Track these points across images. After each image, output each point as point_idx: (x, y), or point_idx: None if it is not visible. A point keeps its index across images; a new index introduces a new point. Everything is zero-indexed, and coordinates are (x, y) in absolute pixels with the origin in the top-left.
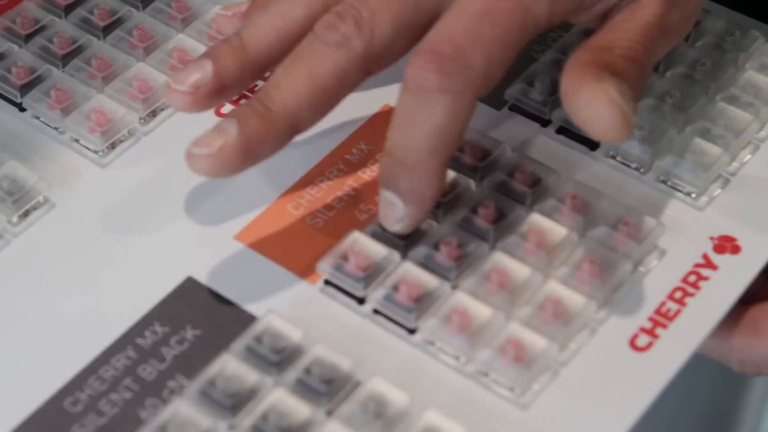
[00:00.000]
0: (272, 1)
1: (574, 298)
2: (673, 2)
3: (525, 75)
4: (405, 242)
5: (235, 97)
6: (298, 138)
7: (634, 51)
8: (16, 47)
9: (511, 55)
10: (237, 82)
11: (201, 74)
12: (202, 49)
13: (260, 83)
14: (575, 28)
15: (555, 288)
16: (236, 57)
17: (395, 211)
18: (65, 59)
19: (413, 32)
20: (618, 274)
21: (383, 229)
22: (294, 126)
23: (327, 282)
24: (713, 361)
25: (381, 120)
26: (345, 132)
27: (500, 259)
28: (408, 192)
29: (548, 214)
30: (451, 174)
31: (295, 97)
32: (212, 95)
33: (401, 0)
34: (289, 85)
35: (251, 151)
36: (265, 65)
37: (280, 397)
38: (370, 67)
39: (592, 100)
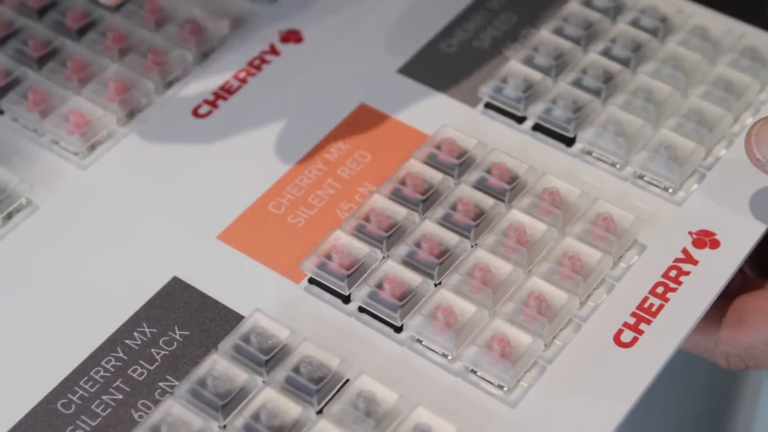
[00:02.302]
0: None
1: (556, 294)
2: None
3: (499, 73)
4: (387, 235)
5: None
6: (277, 138)
7: None
8: None
9: None
10: None
11: None
12: (175, 50)
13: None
14: (546, 27)
15: (537, 284)
16: None
17: None
18: (41, 61)
19: None
20: (599, 270)
21: (363, 224)
22: None
23: (311, 280)
24: (704, 362)
25: (358, 119)
26: (322, 131)
27: (482, 255)
28: None
29: (527, 211)
30: (429, 171)
31: None
32: None
33: None
34: None
35: None
36: None
37: (270, 396)
38: None
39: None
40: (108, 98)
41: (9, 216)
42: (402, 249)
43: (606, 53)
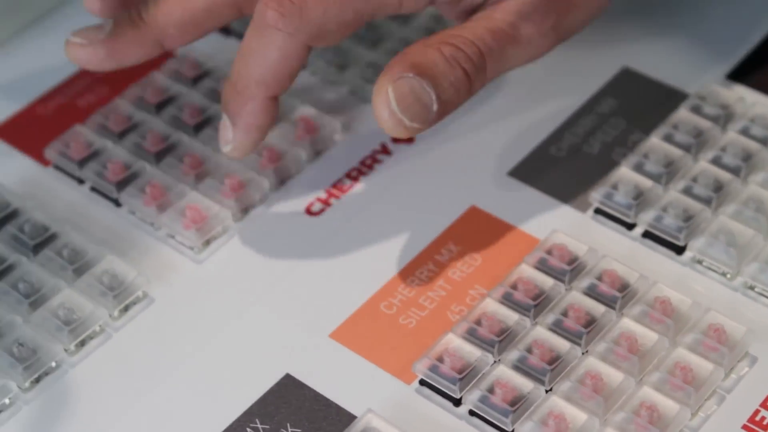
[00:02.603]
0: None
1: (668, 405)
2: (529, 15)
3: (609, 179)
4: (499, 339)
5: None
6: (388, 238)
7: (463, 53)
8: (110, 143)
9: (349, 17)
10: None
11: None
12: (289, 149)
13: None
14: (656, 133)
15: (648, 393)
16: None
17: (226, 133)
18: (158, 156)
19: None
20: (710, 381)
21: (474, 328)
22: (160, 40)
23: (422, 382)
24: None
25: (469, 221)
26: (433, 232)
27: (593, 363)
28: (235, 115)
29: (638, 319)
30: (540, 276)
31: (166, 14)
32: (118, 5)
33: None
34: (164, 1)
35: (116, 51)
36: None
37: None
38: (241, 4)
39: (375, 95)
40: (223, 194)
41: (126, 308)
42: (513, 354)
43: (716, 162)
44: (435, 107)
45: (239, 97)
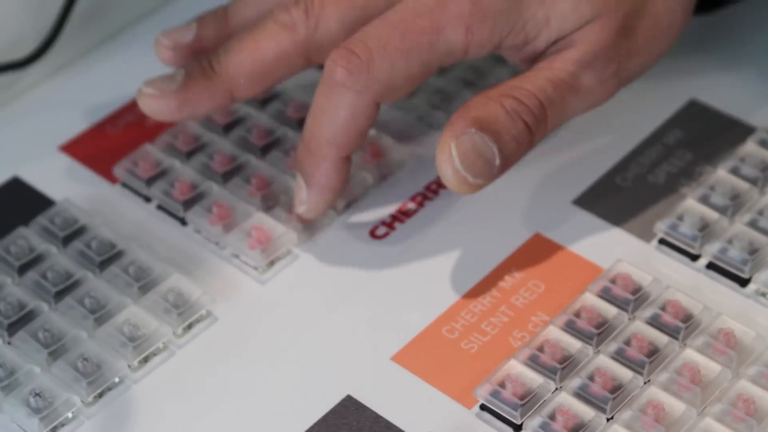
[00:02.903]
0: None
1: None
2: (590, 63)
3: (674, 209)
4: (561, 367)
5: None
6: (452, 263)
7: (524, 106)
8: (178, 163)
9: (417, 70)
10: (214, 48)
11: (184, 35)
12: (356, 172)
13: None
14: (723, 166)
15: (711, 425)
16: (218, 25)
17: (300, 193)
18: (225, 176)
19: (356, 31)
20: None
21: (537, 354)
22: (231, 90)
23: (483, 407)
24: None
25: (532, 248)
26: (497, 259)
27: (655, 393)
28: (308, 176)
29: (701, 350)
30: (603, 305)
31: (237, 64)
32: (189, 55)
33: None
34: (235, 52)
35: (188, 102)
36: None
37: None
38: (310, 54)
39: (438, 152)
40: (289, 216)
41: (189, 326)
42: (575, 381)
43: None
44: (498, 162)
45: (312, 157)
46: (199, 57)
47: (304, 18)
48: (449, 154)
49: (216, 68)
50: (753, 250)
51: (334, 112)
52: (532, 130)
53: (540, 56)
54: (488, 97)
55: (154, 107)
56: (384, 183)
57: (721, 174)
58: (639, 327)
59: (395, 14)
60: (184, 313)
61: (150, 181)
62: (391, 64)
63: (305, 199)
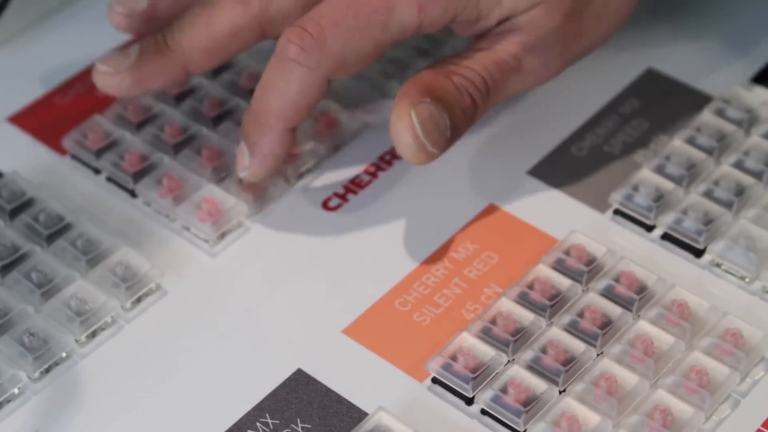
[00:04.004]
0: None
1: (682, 408)
2: (534, 47)
3: (629, 180)
4: (514, 339)
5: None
6: (404, 235)
7: (471, 82)
8: (128, 134)
9: (370, 49)
10: (168, 15)
11: (140, 0)
12: (308, 143)
13: None
14: (679, 136)
15: (663, 397)
16: None
17: (243, 160)
18: (176, 148)
19: (309, 7)
20: (726, 385)
21: (489, 327)
22: (185, 66)
23: (435, 380)
24: None
25: (486, 219)
26: (450, 230)
27: (608, 365)
28: (253, 145)
29: (655, 322)
30: (557, 276)
31: (191, 40)
32: (143, 21)
33: None
34: (188, 28)
35: (143, 79)
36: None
37: None
38: (264, 28)
39: (396, 120)
40: (240, 188)
41: (138, 300)
42: (528, 354)
43: (738, 165)
44: (448, 133)
45: (259, 127)
46: (152, 23)
47: None
48: (409, 121)
49: (170, 44)
50: (708, 221)
51: (285, 87)
52: (477, 106)
53: (487, 33)
54: (437, 72)
55: (109, 84)
56: (337, 153)
57: (677, 144)
58: (592, 299)
59: None
60: (133, 287)
61: (99, 153)
62: (343, 42)
63: (248, 165)
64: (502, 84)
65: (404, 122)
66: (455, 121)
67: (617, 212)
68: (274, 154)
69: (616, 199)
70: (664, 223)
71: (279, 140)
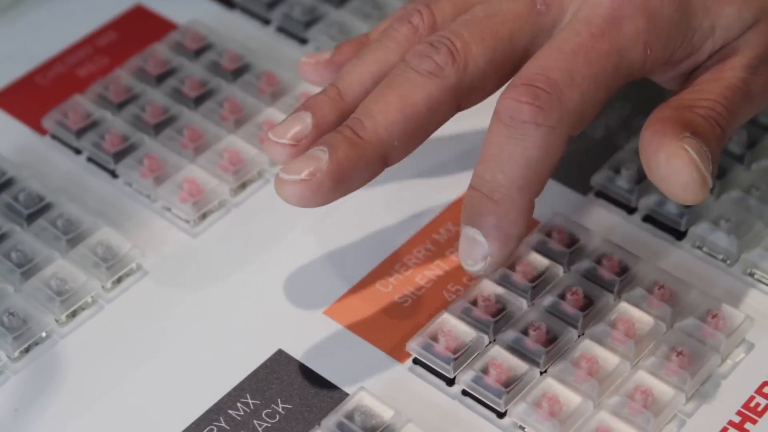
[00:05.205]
0: (366, 50)
1: (663, 389)
2: (756, 68)
3: (611, 162)
4: (495, 320)
5: None
6: (387, 216)
7: (715, 112)
8: (109, 114)
9: (603, 96)
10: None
11: (301, 126)
12: None
13: None
14: None
15: (644, 378)
16: (335, 107)
17: (478, 250)
18: (157, 128)
19: (505, 68)
20: (707, 367)
21: (470, 308)
22: (385, 155)
23: (416, 361)
24: None
25: None
26: (432, 212)
27: (589, 346)
28: (493, 229)
29: (636, 303)
30: (538, 258)
31: (386, 125)
32: (331, 70)
33: (494, 34)
34: (380, 113)
35: (342, 179)
36: None
37: None
38: (461, 99)
39: (671, 158)
40: (222, 168)
41: (119, 280)
42: (509, 335)
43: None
44: (711, 166)
45: (498, 207)
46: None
47: (452, 62)
48: (688, 156)
49: (363, 135)
50: None
51: (525, 155)
52: (726, 134)
53: (698, 68)
54: (677, 108)
55: (304, 193)
56: None
57: None
58: (574, 280)
59: (567, 42)
60: (113, 267)
61: (80, 133)
62: (581, 93)
63: (485, 254)
64: (738, 109)
65: (683, 159)
66: (714, 153)
67: (599, 194)
68: (519, 234)
69: (597, 181)
70: (646, 205)
71: (525, 216)
